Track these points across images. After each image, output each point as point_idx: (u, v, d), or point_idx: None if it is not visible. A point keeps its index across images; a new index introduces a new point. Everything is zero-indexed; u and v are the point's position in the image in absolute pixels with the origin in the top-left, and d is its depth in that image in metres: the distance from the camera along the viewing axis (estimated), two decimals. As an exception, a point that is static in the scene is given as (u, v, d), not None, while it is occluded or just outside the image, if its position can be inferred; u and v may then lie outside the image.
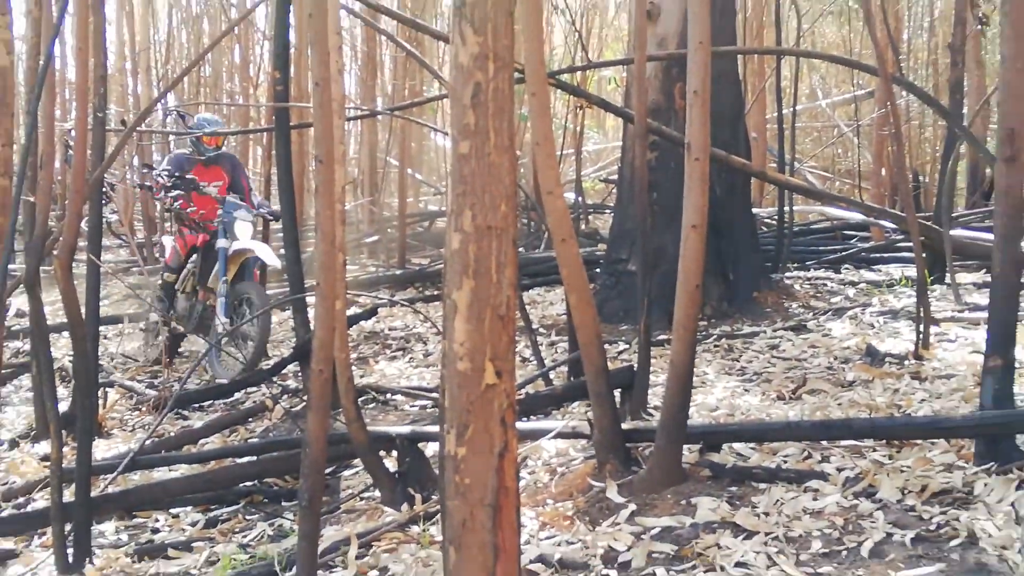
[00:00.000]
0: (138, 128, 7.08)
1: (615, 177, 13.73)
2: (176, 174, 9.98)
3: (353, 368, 6.28)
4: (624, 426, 5.18)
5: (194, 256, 10.28)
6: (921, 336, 7.24)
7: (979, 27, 14.75)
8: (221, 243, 9.49)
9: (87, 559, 4.70)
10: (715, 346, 8.23)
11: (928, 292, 7.69)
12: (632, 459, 5.00)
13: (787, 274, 11.40)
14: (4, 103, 3.86)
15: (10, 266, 4.39)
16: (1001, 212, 4.89)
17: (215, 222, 9.80)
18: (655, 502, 4.63)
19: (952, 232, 10.18)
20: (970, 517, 4.24)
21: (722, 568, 4.07)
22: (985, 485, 4.51)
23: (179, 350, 10.57)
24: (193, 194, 9.94)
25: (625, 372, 5.96)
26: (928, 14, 22.49)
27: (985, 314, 5.29)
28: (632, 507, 4.61)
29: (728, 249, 9.27)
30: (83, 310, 5.32)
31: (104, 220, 9.84)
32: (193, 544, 4.96)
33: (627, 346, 8.06)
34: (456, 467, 1.90)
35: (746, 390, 6.81)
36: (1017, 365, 5.24)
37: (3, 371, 6.47)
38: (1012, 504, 4.31)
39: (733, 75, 9.90)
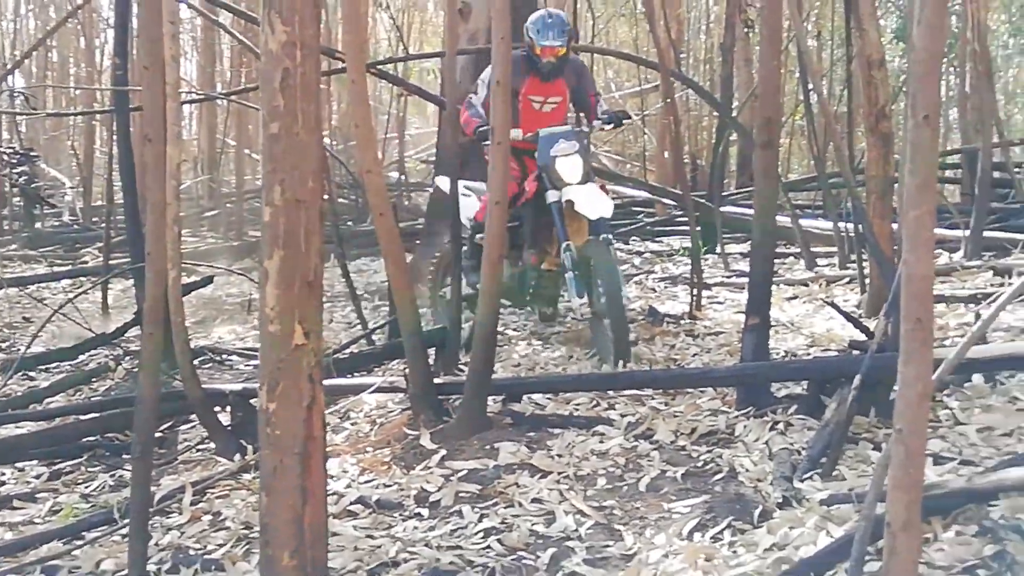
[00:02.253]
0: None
1: (434, 158, 13.78)
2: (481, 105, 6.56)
3: (191, 331, 6.15)
4: (436, 381, 5.21)
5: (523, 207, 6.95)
6: (695, 299, 7.45)
7: (746, 31, 15.18)
8: (550, 197, 6.44)
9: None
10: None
11: (701, 260, 7.92)
12: (443, 410, 5.03)
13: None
14: None
15: None
16: (759, 191, 5.06)
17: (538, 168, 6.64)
18: (463, 448, 4.67)
19: (722, 208, 10.53)
20: (731, 455, 4.40)
21: (520, 504, 4.13)
22: (744, 427, 4.67)
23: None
24: (524, 115, 6.71)
25: (438, 332, 5.97)
26: (705, 18, 23.11)
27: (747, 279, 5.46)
28: (442, 452, 4.64)
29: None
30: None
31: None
32: (37, 495, 4.79)
33: (441, 309, 8.06)
34: (268, 420, 1.89)
35: (545, 347, 6.90)
36: (772, 323, 5.44)
37: None
38: (766, 443, 4.47)
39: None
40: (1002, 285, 7.07)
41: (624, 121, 6.95)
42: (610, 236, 6.26)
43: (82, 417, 5.44)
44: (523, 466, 4.45)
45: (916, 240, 2.12)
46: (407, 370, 5.12)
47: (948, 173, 11.93)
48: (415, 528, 4.03)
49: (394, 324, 5.89)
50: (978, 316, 5.57)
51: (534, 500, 4.16)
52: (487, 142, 5.27)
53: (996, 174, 10.08)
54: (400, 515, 4.15)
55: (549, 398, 5.29)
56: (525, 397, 5.27)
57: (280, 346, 1.81)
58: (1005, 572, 3.17)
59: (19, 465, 5.14)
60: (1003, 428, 4.34)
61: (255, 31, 10.80)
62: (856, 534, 2.62)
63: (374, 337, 6.75)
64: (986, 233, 8.50)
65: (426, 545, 3.86)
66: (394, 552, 3.82)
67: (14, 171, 13.41)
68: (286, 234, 1.81)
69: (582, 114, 7.40)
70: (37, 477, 5.04)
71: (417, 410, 4.99)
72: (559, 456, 4.53)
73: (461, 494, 4.27)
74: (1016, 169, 11.04)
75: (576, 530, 3.90)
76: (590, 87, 6.82)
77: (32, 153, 14.36)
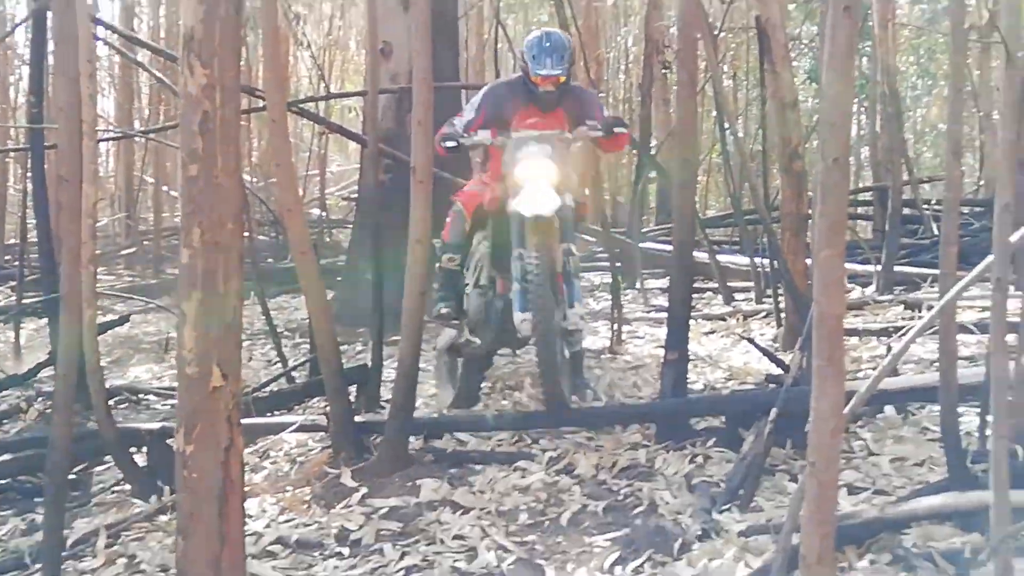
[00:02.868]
0: None
1: (356, 195, 13.73)
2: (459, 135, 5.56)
3: (107, 371, 6.04)
4: (357, 419, 5.17)
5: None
6: (615, 334, 7.47)
7: (664, 71, 15.39)
8: (511, 204, 5.29)
9: None
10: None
11: (621, 296, 7.93)
12: (365, 447, 5.00)
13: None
14: None
15: None
16: (677, 227, 5.11)
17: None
18: (384, 485, 4.63)
19: (642, 244, 10.60)
20: (651, 488, 4.41)
21: (442, 541, 4.11)
22: (664, 460, 4.70)
23: (483, 376, 6.33)
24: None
25: (360, 370, 5.91)
26: (624, 58, 23.37)
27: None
28: (364, 490, 4.60)
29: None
30: None
31: None
32: (-53, 540, 4.67)
33: (364, 347, 7.99)
34: (185, 463, 1.85)
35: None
36: (691, 357, 5.48)
37: None
38: (685, 476, 4.50)
39: (457, 108, 9.99)
40: (912, 318, 7.19)
41: (616, 130, 5.48)
42: (571, 247, 5.27)
43: (-3, 460, 5.30)
44: (444, 503, 4.44)
45: (827, 280, 2.15)
46: (328, 408, 5.08)
47: (860, 210, 12.14)
48: (335, 567, 3.99)
49: (314, 362, 5.82)
50: (889, 349, 5.65)
51: (456, 536, 4.14)
52: (448, 143, 5.33)
53: (906, 211, 10.29)
54: (320, 554, 4.10)
55: (471, 434, 5.26)
56: (447, 434, 5.25)
57: (198, 388, 1.78)
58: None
59: (-73, 509, 4.99)
60: (915, 458, 4.44)
61: (174, 68, 10.70)
62: (773, 565, 2.64)
63: (294, 375, 6.65)
64: (896, 268, 8.66)
65: (346, 584, 3.83)
66: (312, 590, 3.78)
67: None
68: (204, 276, 1.78)
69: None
70: (-53, 521, 4.89)
71: (338, 448, 4.94)
72: (481, 492, 4.52)
73: (382, 532, 4.23)
74: (925, 206, 11.27)
75: (498, 566, 3.88)
76: (596, 111, 5.63)
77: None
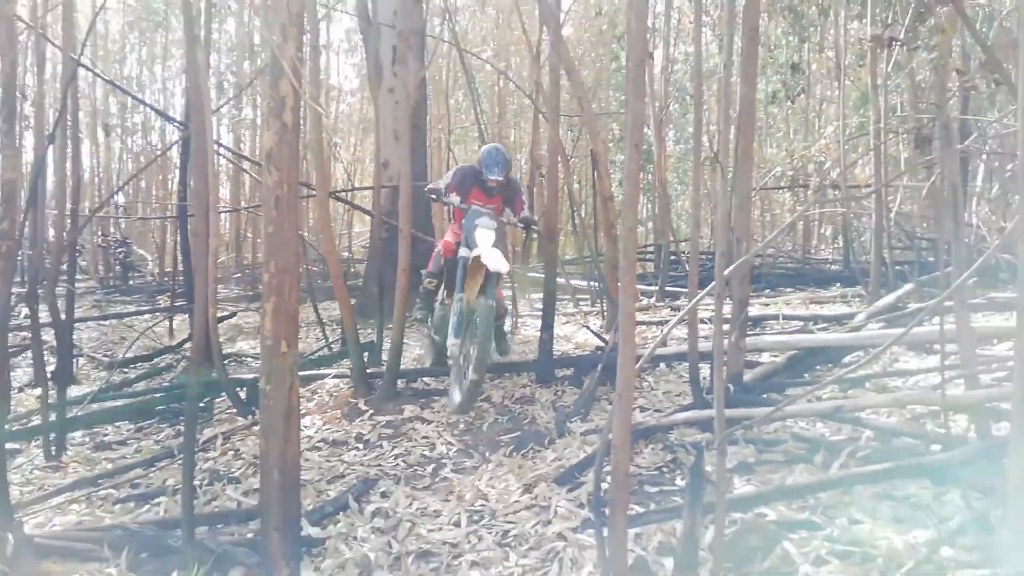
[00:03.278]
0: None
1: (368, 245, 13.58)
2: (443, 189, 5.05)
3: (223, 344, 5.92)
4: (368, 371, 5.09)
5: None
6: (514, 322, 7.45)
7: (540, 177, 15.44)
8: (461, 252, 4.93)
9: (63, 451, 4.22)
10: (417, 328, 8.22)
11: (518, 303, 7.90)
12: (372, 387, 4.93)
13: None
14: None
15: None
16: (546, 264, 5.07)
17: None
18: (383, 409, 4.58)
19: (529, 273, 10.56)
20: (532, 409, 4.42)
21: (415, 439, 4.09)
22: (540, 393, 4.71)
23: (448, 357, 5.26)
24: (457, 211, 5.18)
25: (369, 344, 5.83)
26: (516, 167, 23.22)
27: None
28: (371, 411, 4.54)
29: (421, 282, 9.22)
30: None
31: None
32: (127, 442, 4.53)
33: (372, 331, 7.88)
34: (267, 396, 1.83)
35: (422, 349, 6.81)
36: (556, 335, 5.50)
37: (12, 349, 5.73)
38: (551, 402, 4.53)
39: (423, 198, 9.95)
40: (674, 315, 7.30)
41: (532, 226, 5.13)
42: (492, 303, 4.47)
43: (155, 395, 5.15)
44: (417, 418, 4.41)
45: (627, 292, 2.20)
46: (351, 365, 5.03)
47: (648, 256, 12.34)
48: (355, 455, 3.95)
49: (343, 340, 5.75)
50: (661, 332, 5.73)
51: (423, 437, 4.13)
52: (432, 195, 4.87)
53: (672, 257, 10.47)
54: (346, 448, 4.06)
55: (434, 378, 5.23)
56: (419, 380, 5.21)
57: (272, 353, 1.77)
58: (675, 470, 3.29)
59: (117, 425, 4.84)
60: (676, 391, 4.50)
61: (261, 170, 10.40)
62: (599, 451, 2.68)
63: (332, 347, 6.56)
64: (667, 288, 8.79)
65: (361, 464, 3.79)
66: (342, 469, 3.74)
67: (118, 250, 12.97)
68: (276, 289, 1.78)
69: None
70: (128, 431, 4.75)
71: (356, 388, 4.88)
72: (437, 412, 4.50)
73: (382, 435, 4.20)
74: (683, 253, 11.47)
75: (447, 453, 3.89)
76: (519, 197, 5.14)
77: (127, 240, 13.83)
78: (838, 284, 8.38)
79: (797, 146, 11.23)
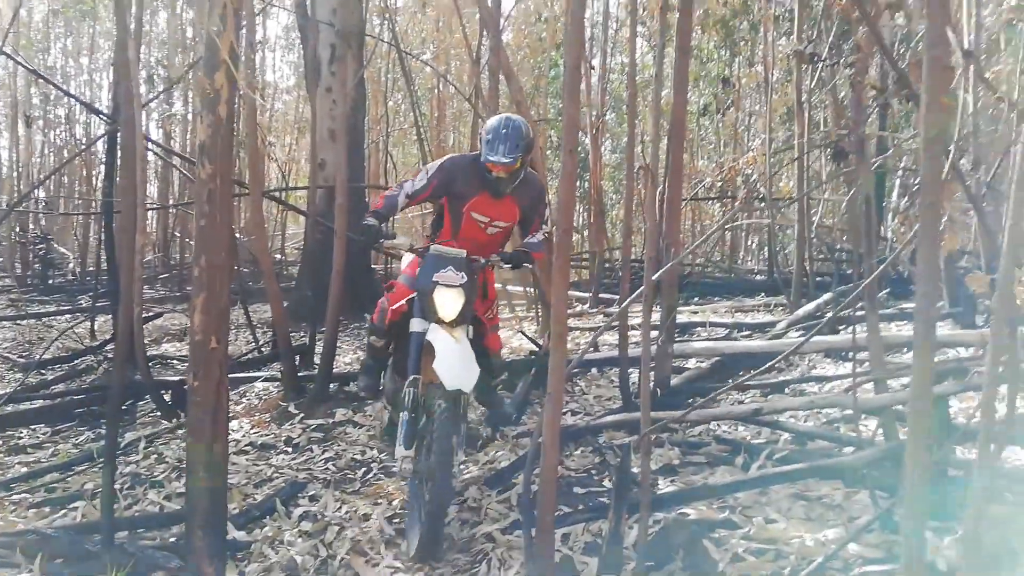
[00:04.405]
0: None
1: (301, 247, 13.28)
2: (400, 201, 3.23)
3: (148, 347, 5.73)
4: (300, 374, 5.02)
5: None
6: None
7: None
8: (414, 325, 3.07)
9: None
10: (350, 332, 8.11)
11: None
12: (303, 391, 4.85)
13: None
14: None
15: None
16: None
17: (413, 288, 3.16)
18: (314, 412, 4.52)
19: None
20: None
21: (346, 443, 4.05)
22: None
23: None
24: (464, 232, 3.30)
25: (302, 346, 5.73)
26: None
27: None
28: (301, 415, 4.48)
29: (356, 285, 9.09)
30: None
31: None
32: (43, 445, 4.33)
33: (305, 334, 7.75)
34: (195, 393, 1.80)
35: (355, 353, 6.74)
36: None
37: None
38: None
39: (360, 199, 9.84)
40: (607, 320, 7.40)
41: (525, 265, 3.30)
42: (459, 396, 2.83)
43: (75, 397, 4.95)
44: (349, 422, 4.37)
45: (558, 294, 2.23)
46: (281, 367, 4.94)
47: (583, 262, 12.44)
48: (283, 459, 3.88)
49: (275, 342, 5.64)
50: (594, 336, 5.81)
51: (353, 441, 4.09)
52: (369, 221, 3.04)
53: (606, 265, 10.60)
54: (274, 452, 3.99)
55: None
56: (352, 383, 5.14)
57: (202, 348, 1.74)
58: (603, 472, 3.35)
59: (32, 428, 4.62)
60: (607, 395, 4.58)
61: (191, 166, 10.07)
62: (530, 452, 2.70)
63: (263, 350, 6.42)
64: (601, 295, 8.90)
65: (289, 468, 3.73)
66: (269, 473, 3.68)
67: (38, 247, 12.47)
68: (208, 284, 1.75)
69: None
70: (44, 434, 4.54)
71: (287, 391, 4.81)
72: (368, 416, 4.46)
73: (312, 438, 4.14)
74: (616, 260, 11.63)
75: (378, 457, 3.85)
76: (541, 207, 3.35)
77: (48, 236, 13.30)
78: (763, 293, 8.68)
79: (726, 158, 11.58)
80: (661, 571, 2.39)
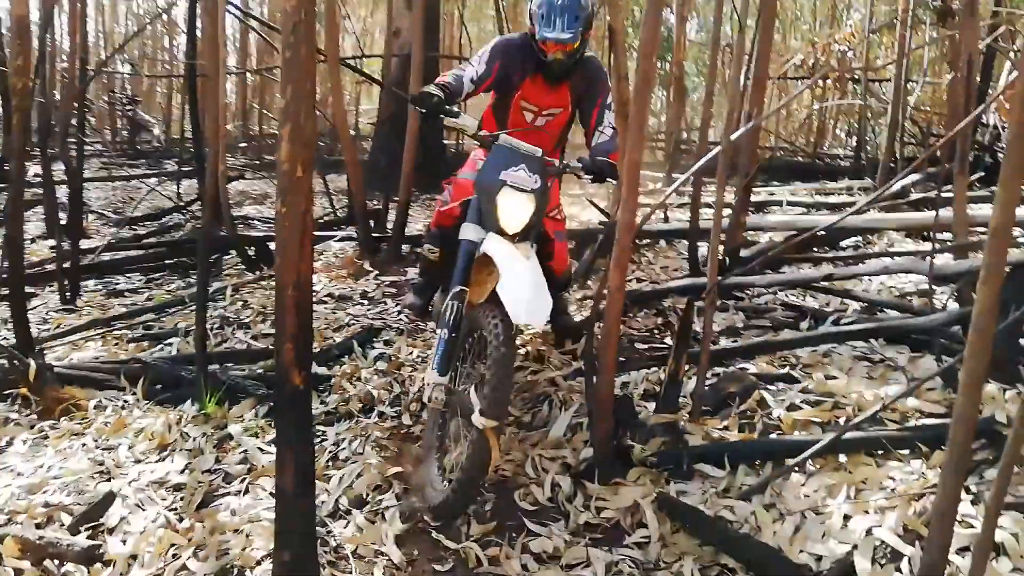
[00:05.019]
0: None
1: (376, 119, 13.29)
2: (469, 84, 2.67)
3: (232, 208, 5.97)
4: (375, 234, 5.18)
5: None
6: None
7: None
8: (466, 231, 2.47)
9: (77, 296, 4.38)
10: (421, 202, 8.18)
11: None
12: (378, 250, 5.03)
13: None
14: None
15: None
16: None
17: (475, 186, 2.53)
18: (388, 269, 4.69)
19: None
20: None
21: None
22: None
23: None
24: (511, 123, 2.85)
25: (377, 211, 5.86)
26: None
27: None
28: (376, 272, 4.66)
29: (429, 156, 9.10)
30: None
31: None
32: (139, 290, 4.68)
33: (379, 202, 7.88)
34: (282, 218, 1.84)
35: (427, 219, 6.85)
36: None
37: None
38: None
39: (434, 68, 9.71)
40: (682, 200, 7.26)
41: (609, 180, 2.63)
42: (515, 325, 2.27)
43: (166, 248, 5.27)
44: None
45: (631, 164, 2.20)
46: (358, 229, 5.11)
47: (660, 145, 12.02)
48: (360, 309, 4.07)
49: (351, 207, 5.80)
50: (663, 199, 5.72)
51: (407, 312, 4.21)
52: (422, 107, 2.44)
53: (683, 147, 10.27)
54: (351, 303, 4.18)
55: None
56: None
57: (289, 176, 1.81)
58: (666, 332, 3.41)
59: (127, 275, 4.98)
60: (674, 265, 4.58)
61: (273, 36, 10.09)
62: (592, 309, 2.76)
63: (339, 214, 6.61)
64: (674, 176, 8.69)
65: (366, 317, 3.93)
66: (347, 320, 3.89)
67: (126, 109, 12.90)
68: (293, 115, 1.77)
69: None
70: (139, 281, 4.89)
71: (363, 249, 4.99)
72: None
73: (386, 292, 4.32)
74: (695, 141, 11.27)
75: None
76: (603, 95, 2.83)
77: (135, 97, 13.80)
78: (847, 178, 8.32)
79: (820, 36, 10.83)
80: (716, 416, 2.48)
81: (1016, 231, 3.79)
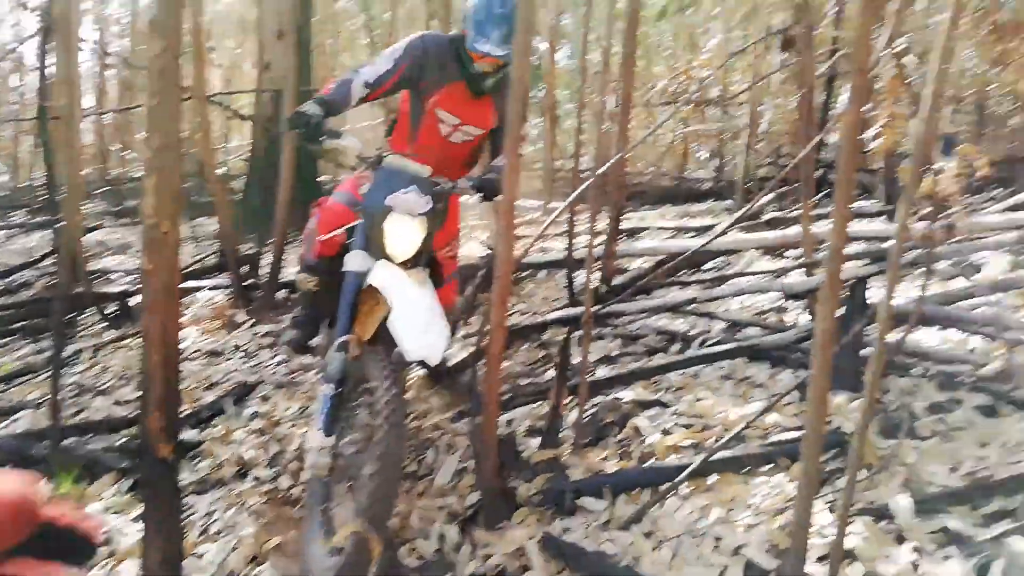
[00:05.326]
0: None
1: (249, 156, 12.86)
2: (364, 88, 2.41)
3: (88, 261, 5.60)
4: (249, 280, 4.99)
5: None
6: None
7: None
8: (351, 261, 2.22)
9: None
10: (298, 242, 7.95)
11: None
12: (250, 298, 4.84)
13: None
14: None
15: None
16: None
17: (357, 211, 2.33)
18: (264, 319, 4.52)
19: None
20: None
21: (295, 347, 4.09)
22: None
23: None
24: (423, 137, 2.58)
25: (250, 255, 5.64)
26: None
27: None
28: (251, 322, 4.49)
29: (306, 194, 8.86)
30: None
31: None
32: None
33: (252, 246, 7.61)
34: (148, 275, 1.74)
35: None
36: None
37: None
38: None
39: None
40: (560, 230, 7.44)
41: (496, 199, 2.30)
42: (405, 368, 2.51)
43: (15, 311, 4.87)
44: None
45: (507, 197, 2.22)
46: (230, 275, 4.91)
47: (537, 172, 12.31)
48: (232, 364, 3.91)
49: (221, 253, 5.56)
50: (539, 232, 5.79)
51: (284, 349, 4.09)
52: (301, 118, 2.25)
53: (558, 173, 10.56)
54: (223, 358, 4.01)
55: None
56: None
57: (154, 233, 1.72)
58: (546, 365, 3.47)
59: (-29, 342, 4.57)
60: (553, 296, 4.64)
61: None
62: (475, 346, 2.77)
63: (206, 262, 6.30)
64: (553, 205, 8.87)
65: (239, 372, 3.78)
66: (219, 377, 3.72)
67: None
68: (158, 166, 1.69)
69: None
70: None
71: (235, 298, 4.80)
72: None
73: (261, 344, 4.17)
74: (570, 168, 11.61)
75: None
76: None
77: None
78: (710, 200, 8.81)
79: (681, 63, 11.50)
80: (596, 446, 2.54)
81: (858, 246, 4.12)
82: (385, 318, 2.12)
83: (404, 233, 2.21)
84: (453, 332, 2.77)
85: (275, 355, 4.01)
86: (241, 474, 2.78)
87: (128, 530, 2.40)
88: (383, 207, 2.21)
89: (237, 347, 4.14)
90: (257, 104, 7.03)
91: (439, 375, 3.24)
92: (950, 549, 1.75)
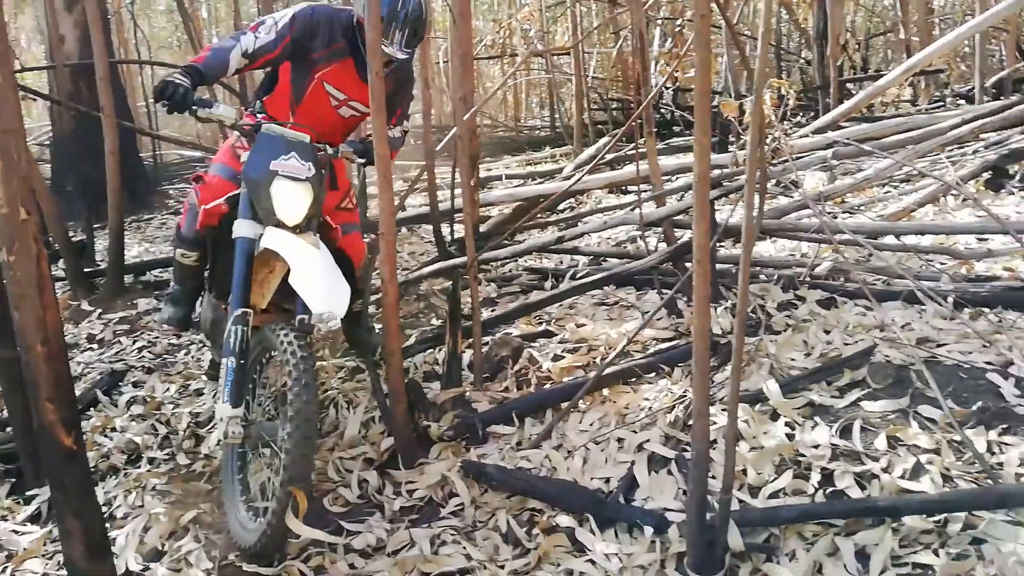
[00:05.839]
0: None
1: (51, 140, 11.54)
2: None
3: None
4: (85, 271, 4.64)
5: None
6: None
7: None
8: (240, 228, 2.21)
9: None
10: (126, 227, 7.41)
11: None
12: (94, 285, 4.52)
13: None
14: None
15: None
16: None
17: (240, 181, 2.27)
18: (113, 306, 4.27)
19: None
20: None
21: (156, 332, 3.89)
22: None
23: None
24: (307, 106, 2.49)
25: (80, 243, 5.15)
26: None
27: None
28: (98, 311, 4.21)
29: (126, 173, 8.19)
30: None
31: None
32: None
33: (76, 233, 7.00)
34: (12, 268, 1.69)
35: (140, 245, 6.28)
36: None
37: None
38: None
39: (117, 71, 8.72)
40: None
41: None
42: (312, 330, 2.11)
43: None
44: (155, 310, 4.18)
45: (382, 156, 2.26)
46: (64, 267, 4.54)
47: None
48: (90, 355, 3.69)
49: (49, 241, 5.08)
50: (405, 193, 5.85)
51: (166, 328, 3.94)
52: (165, 100, 2.14)
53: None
54: (78, 350, 3.77)
55: (166, 269, 4.86)
56: (150, 273, 4.84)
57: (12, 220, 1.64)
58: (431, 313, 3.56)
59: None
60: (420, 251, 4.74)
61: None
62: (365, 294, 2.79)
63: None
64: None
65: (101, 362, 3.57)
66: (80, 370, 3.49)
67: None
68: (3, 151, 1.62)
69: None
70: None
71: (74, 288, 4.45)
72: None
73: (117, 331, 3.95)
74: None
75: (200, 337, 3.76)
76: (408, 94, 2.66)
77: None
78: (547, 146, 9.16)
79: (502, 16, 11.66)
80: (495, 379, 2.70)
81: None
82: (281, 283, 2.14)
83: (292, 197, 2.20)
84: (364, 294, 2.72)
85: (135, 340, 3.81)
86: (133, 460, 2.68)
87: (22, 531, 2.26)
88: (268, 172, 2.19)
89: (92, 337, 3.89)
90: (58, 81, 6.37)
91: (361, 354, 2.96)
92: (816, 419, 2.08)
